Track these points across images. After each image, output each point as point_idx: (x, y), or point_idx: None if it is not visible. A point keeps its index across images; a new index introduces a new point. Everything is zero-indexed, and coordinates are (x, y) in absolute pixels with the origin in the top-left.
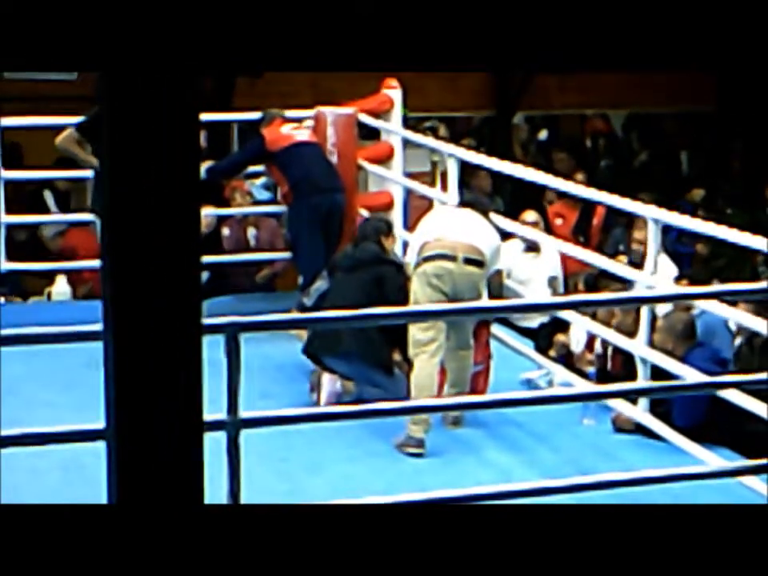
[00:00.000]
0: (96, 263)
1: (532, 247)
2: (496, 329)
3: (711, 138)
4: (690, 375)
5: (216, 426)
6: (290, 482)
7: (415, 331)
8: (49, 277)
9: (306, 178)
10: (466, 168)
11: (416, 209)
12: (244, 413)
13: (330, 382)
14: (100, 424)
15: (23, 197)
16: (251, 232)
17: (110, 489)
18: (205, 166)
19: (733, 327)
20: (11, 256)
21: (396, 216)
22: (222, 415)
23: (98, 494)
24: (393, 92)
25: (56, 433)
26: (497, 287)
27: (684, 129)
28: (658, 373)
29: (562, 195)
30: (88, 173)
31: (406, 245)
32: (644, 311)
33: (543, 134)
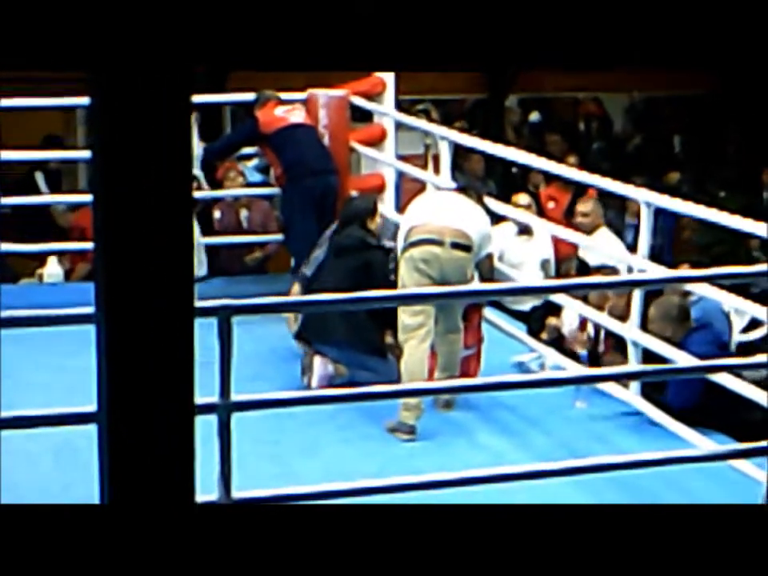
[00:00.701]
0: (90, 245)
1: (524, 230)
2: (488, 312)
3: (705, 122)
4: (683, 358)
5: (208, 409)
6: (281, 465)
7: (404, 317)
8: (39, 258)
9: (300, 161)
10: (458, 151)
11: (408, 191)
12: (236, 396)
13: (321, 365)
14: (92, 407)
15: (13, 178)
16: (243, 214)
17: (102, 472)
18: (199, 147)
19: (739, 321)
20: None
21: (388, 198)
22: (213, 398)
23: (90, 477)
24: (385, 74)
25: (48, 416)
26: (487, 270)
27: (678, 113)
28: (648, 355)
29: (552, 178)
30: (80, 153)
31: (397, 227)
32: (636, 295)
33: (535, 116)
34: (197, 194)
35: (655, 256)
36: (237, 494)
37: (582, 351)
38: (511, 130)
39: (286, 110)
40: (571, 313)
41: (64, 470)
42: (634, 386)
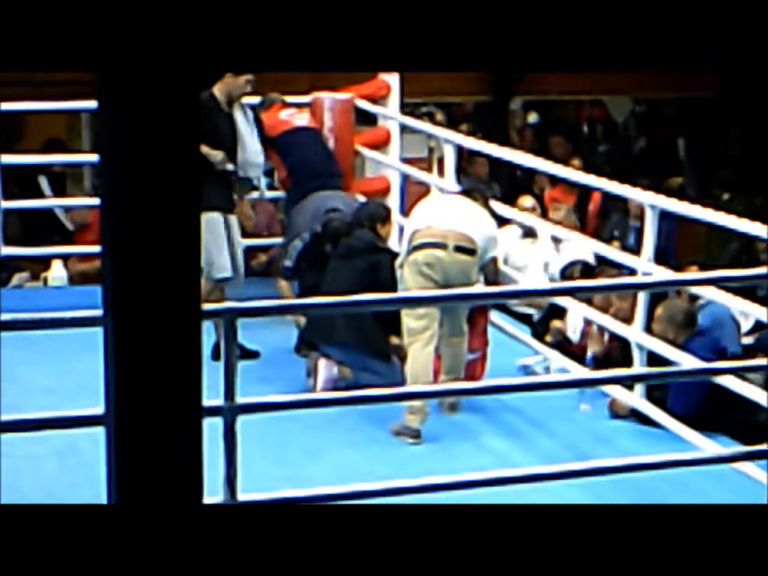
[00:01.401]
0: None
1: (529, 233)
2: (493, 315)
3: (709, 125)
4: (687, 362)
5: (213, 411)
6: (287, 468)
7: (408, 320)
8: (44, 262)
9: (304, 164)
10: (463, 154)
11: (413, 194)
12: (241, 399)
13: (326, 368)
14: (99, 409)
15: (17, 181)
16: None
17: (109, 474)
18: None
19: (744, 324)
20: (7, 240)
21: (393, 202)
22: (219, 401)
23: (95, 480)
24: (390, 77)
25: (55, 418)
26: (492, 274)
27: (682, 115)
28: (654, 359)
29: (557, 181)
30: (85, 157)
31: (402, 230)
32: (641, 298)
33: (533, 118)
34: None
35: (658, 258)
36: (242, 496)
37: (597, 349)
38: (515, 133)
39: (291, 113)
40: (576, 316)
41: (69, 473)
42: (639, 389)
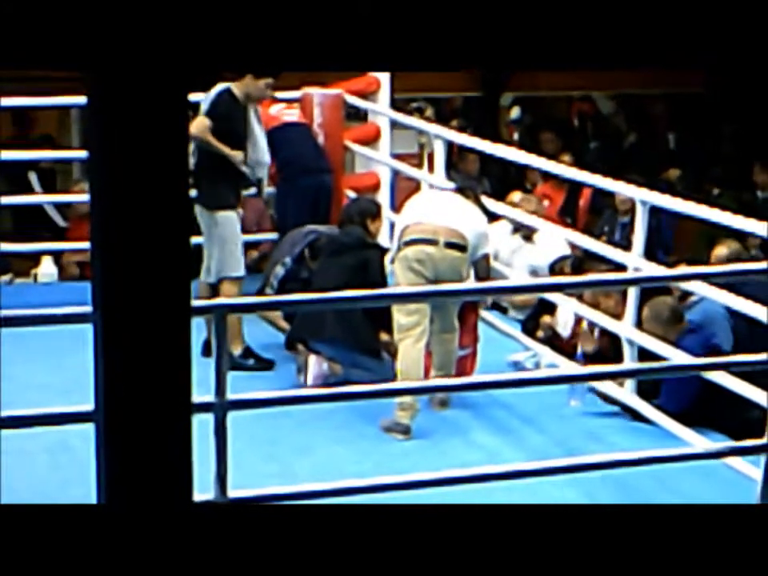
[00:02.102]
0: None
1: (518, 229)
2: (484, 312)
3: (699, 120)
4: (678, 357)
5: (204, 407)
6: (277, 464)
7: (399, 316)
8: (34, 258)
9: (294, 159)
10: (453, 149)
11: (403, 190)
12: (231, 395)
13: (316, 364)
14: (89, 406)
15: (5, 177)
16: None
17: (99, 471)
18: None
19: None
20: None
21: (383, 197)
22: (209, 397)
23: (86, 476)
24: (380, 73)
25: (45, 415)
26: (484, 270)
27: (672, 110)
28: (645, 355)
29: (548, 177)
30: (75, 153)
31: (393, 226)
32: (631, 293)
33: (516, 113)
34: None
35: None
36: (233, 492)
37: (589, 348)
38: (505, 129)
39: (281, 109)
40: (566, 311)
41: (60, 469)
42: (630, 385)
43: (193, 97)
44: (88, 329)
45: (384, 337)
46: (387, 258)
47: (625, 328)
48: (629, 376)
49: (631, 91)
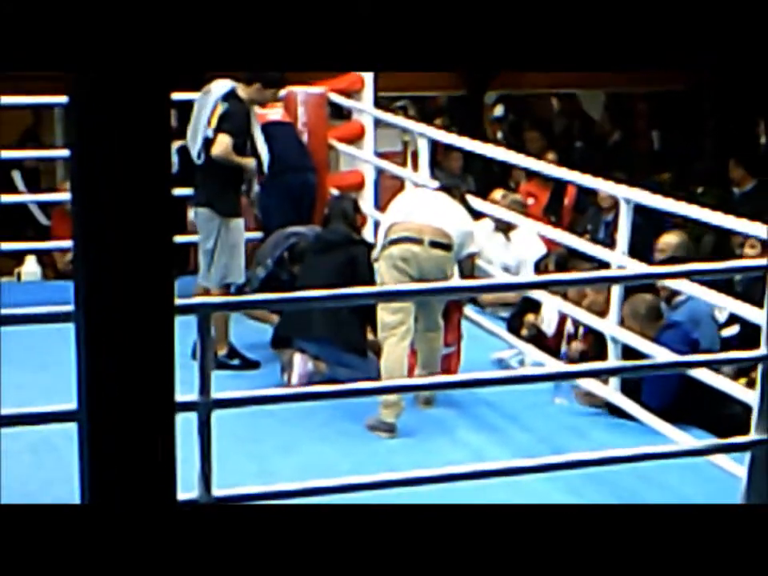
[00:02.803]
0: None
1: (500, 227)
2: (468, 310)
3: (683, 118)
4: (661, 355)
5: (187, 406)
6: (262, 463)
7: (383, 314)
8: (18, 257)
9: (278, 158)
10: (437, 148)
11: (387, 189)
12: (215, 394)
13: (301, 363)
14: (72, 405)
15: None
16: None
17: (82, 470)
18: (176, 145)
19: (718, 317)
20: None
21: (367, 196)
22: (193, 396)
23: (70, 475)
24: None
25: (27, 414)
26: (469, 269)
27: (655, 108)
28: (629, 353)
29: (532, 175)
30: (57, 152)
31: (377, 225)
32: (615, 291)
33: (499, 111)
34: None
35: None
36: (217, 491)
37: (577, 349)
38: (490, 127)
39: (266, 107)
40: (550, 309)
41: (43, 469)
42: (614, 382)
43: (185, 95)
44: (72, 328)
45: (370, 336)
46: (372, 256)
47: (609, 326)
48: (613, 374)
49: (616, 89)
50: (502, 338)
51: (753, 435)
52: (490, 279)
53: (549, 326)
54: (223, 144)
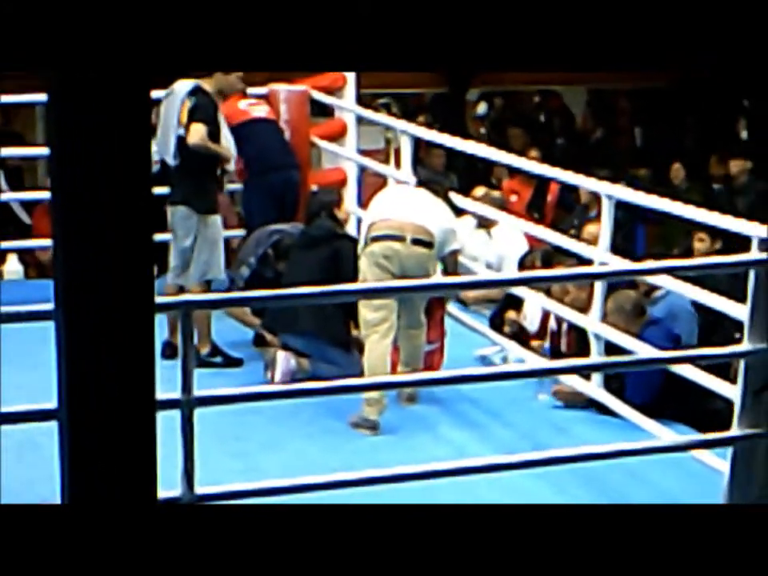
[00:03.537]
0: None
1: (482, 224)
2: (451, 307)
3: (665, 114)
4: (644, 351)
5: (170, 404)
6: (245, 461)
7: (365, 312)
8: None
9: (261, 156)
10: (420, 145)
11: (370, 186)
12: (198, 391)
13: (284, 360)
14: (53, 404)
15: None
16: None
17: (63, 469)
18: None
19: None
20: None
21: (350, 193)
22: (175, 394)
23: (52, 474)
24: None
25: (8, 413)
26: (452, 266)
27: (637, 105)
28: (612, 349)
29: (515, 172)
30: (39, 150)
31: (359, 222)
32: (598, 287)
33: (482, 108)
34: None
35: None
36: (200, 489)
37: (546, 345)
38: (472, 124)
39: (250, 104)
40: (533, 305)
41: (25, 467)
42: (596, 378)
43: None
44: (52, 326)
45: (355, 331)
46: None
47: (591, 322)
48: (596, 370)
49: (599, 86)
50: (485, 335)
51: (735, 431)
52: (473, 276)
53: (532, 323)
54: (199, 132)
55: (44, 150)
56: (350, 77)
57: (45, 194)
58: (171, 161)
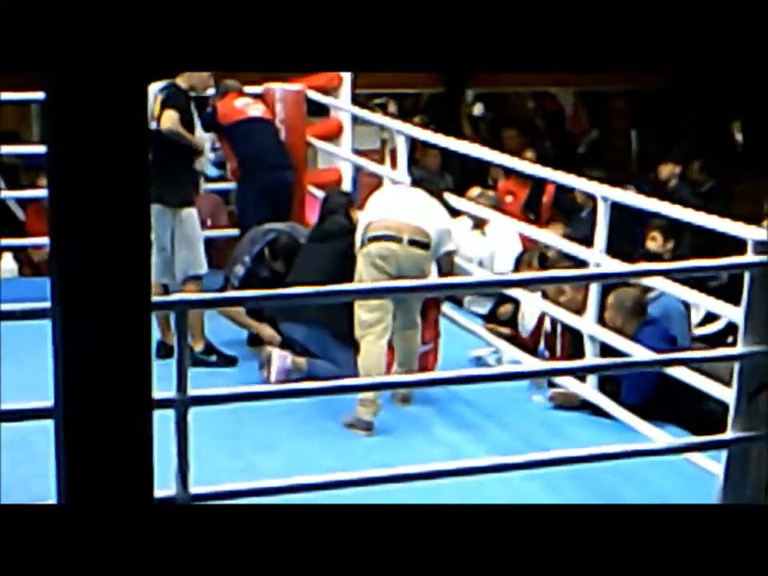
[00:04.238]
0: (45, 240)
1: (478, 225)
2: (446, 308)
3: (660, 116)
4: (639, 352)
5: (165, 403)
6: (241, 460)
7: (361, 312)
8: None
9: (256, 155)
10: (416, 145)
11: (365, 186)
12: (193, 390)
13: (280, 360)
14: (49, 402)
15: None
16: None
17: (59, 467)
18: None
19: (690, 310)
20: None
21: None
22: (170, 393)
23: (47, 473)
24: None
25: (4, 411)
26: (448, 267)
27: (634, 107)
28: (606, 350)
29: (511, 172)
30: (38, 149)
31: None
32: (593, 289)
33: (478, 109)
34: None
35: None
36: (194, 488)
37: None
38: (468, 124)
39: (246, 103)
40: (530, 306)
41: (20, 466)
42: (591, 379)
43: None
44: (49, 325)
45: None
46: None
47: (587, 324)
48: (591, 371)
49: (595, 88)
50: (479, 336)
51: (730, 433)
52: (469, 277)
53: (529, 323)
54: (172, 117)
55: (40, 148)
56: (346, 76)
57: (40, 192)
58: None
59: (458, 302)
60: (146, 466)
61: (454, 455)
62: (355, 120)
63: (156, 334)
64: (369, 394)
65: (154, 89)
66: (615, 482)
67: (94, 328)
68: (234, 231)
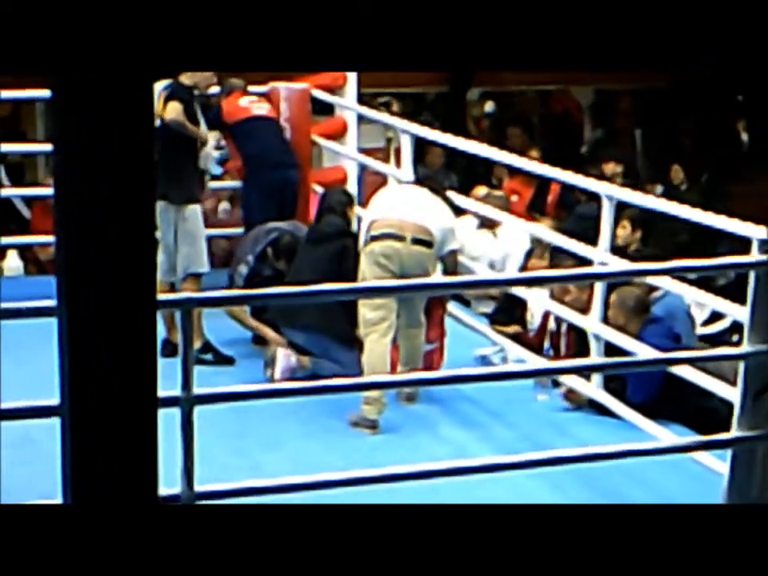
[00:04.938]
0: (50, 238)
1: (484, 224)
2: (451, 307)
3: (663, 115)
4: (644, 351)
5: (170, 402)
6: (245, 459)
7: (365, 311)
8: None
9: (260, 154)
10: (420, 144)
11: (370, 185)
12: (198, 389)
13: (284, 358)
14: (55, 400)
15: None
16: (222, 206)
17: (64, 465)
18: None
19: (695, 311)
20: None
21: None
22: (175, 391)
23: (52, 471)
24: None
25: (10, 409)
26: (452, 265)
27: (638, 106)
28: (611, 349)
29: (516, 172)
30: (41, 147)
31: (359, 220)
32: (598, 288)
33: (489, 107)
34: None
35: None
36: (199, 487)
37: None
38: (473, 123)
39: (251, 101)
40: (536, 302)
41: (25, 464)
42: (597, 379)
43: None
44: (54, 323)
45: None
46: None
47: (592, 323)
48: (596, 370)
49: (600, 86)
50: (484, 335)
51: (735, 432)
52: (473, 276)
53: (536, 322)
54: (175, 109)
55: (46, 147)
56: (351, 75)
57: (46, 190)
58: None
59: (465, 303)
60: (151, 464)
61: (458, 454)
62: (360, 119)
63: (161, 333)
64: (374, 393)
65: (158, 87)
66: (620, 482)
67: (98, 326)
68: (240, 230)
